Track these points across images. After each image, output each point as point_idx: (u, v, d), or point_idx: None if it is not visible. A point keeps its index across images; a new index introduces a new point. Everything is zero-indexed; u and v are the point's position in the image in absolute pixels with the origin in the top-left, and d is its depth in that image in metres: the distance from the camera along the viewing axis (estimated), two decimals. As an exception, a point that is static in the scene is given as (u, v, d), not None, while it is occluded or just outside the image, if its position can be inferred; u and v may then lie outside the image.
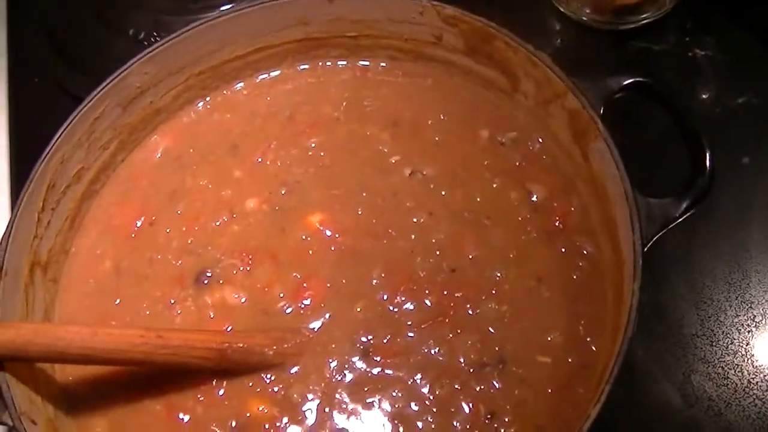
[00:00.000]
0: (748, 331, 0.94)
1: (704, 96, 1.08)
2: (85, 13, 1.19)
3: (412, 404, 0.80)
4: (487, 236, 0.87)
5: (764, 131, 1.06)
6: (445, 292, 0.84)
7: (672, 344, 0.94)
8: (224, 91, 1.01)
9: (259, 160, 0.95)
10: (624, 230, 0.78)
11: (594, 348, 0.80)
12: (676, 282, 0.96)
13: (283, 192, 0.93)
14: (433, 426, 0.79)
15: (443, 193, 0.90)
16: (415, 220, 0.89)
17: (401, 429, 0.79)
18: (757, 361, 0.93)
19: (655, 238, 0.77)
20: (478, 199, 0.89)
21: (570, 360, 0.80)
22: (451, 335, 0.82)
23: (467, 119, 0.95)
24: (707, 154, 0.79)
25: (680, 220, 0.78)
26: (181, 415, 0.82)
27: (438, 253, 0.86)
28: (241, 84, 1.01)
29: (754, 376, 0.92)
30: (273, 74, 1.02)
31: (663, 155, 0.94)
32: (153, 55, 0.92)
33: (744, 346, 0.93)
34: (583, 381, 0.78)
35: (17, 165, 1.11)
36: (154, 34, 1.12)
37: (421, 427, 0.79)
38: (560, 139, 0.89)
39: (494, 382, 0.79)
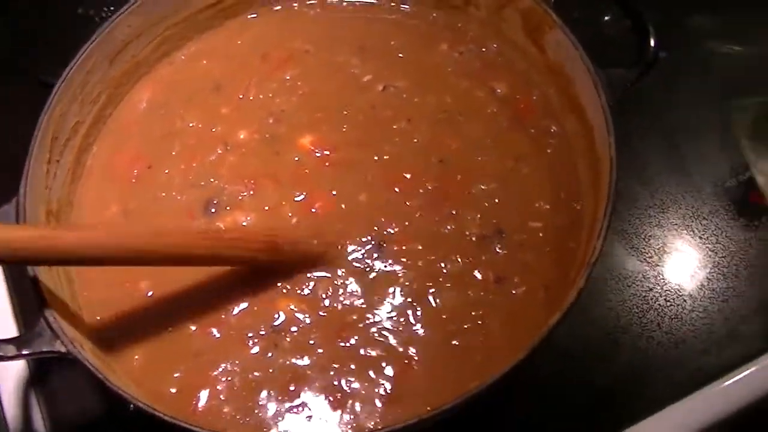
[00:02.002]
0: (692, 196, 1.07)
1: None
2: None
3: (428, 283, 0.88)
4: (463, 130, 0.97)
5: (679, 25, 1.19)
6: (438, 179, 0.93)
7: (629, 216, 1.06)
8: (200, 40, 1.06)
9: (242, 96, 1.02)
10: (589, 100, 0.89)
11: (578, 207, 0.90)
12: (623, 164, 1.07)
13: (270, 121, 0.99)
14: (450, 298, 0.87)
15: (416, 100, 0.99)
16: (395, 126, 0.97)
17: (419, 310, 0.87)
18: (704, 219, 1.06)
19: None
20: (449, 101, 0.99)
21: (558, 221, 0.90)
22: (454, 211, 0.91)
23: (426, 36, 1.04)
24: (650, 27, 0.90)
25: (636, 84, 0.89)
26: (215, 331, 0.87)
27: (423, 149, 0.95)
28: (214, 31, 1.07)
29: (704, 232, 1.05)
30: (246, 17, 1.08)
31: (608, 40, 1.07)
32: (135, 8, 0.97)
33: (691, 209, 1.06)
34: (573, 236, 0.88)
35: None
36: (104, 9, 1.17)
37: (439, 302, 0.87)
38: (515, 40, 1.00)
39: (497, 250, 0.89)
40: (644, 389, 0.96)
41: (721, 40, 1.20)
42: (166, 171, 0.98)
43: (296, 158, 0.97)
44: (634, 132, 1.10)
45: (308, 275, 0.89)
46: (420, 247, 0.89)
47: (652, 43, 0.91)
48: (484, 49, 1.02)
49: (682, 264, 1.02)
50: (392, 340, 0.85)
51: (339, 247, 0.90)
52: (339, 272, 0.89)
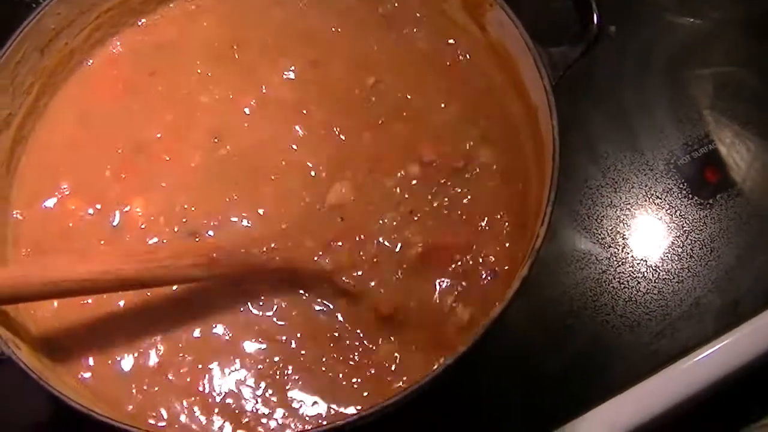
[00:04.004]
0: (645, 174, 1.05)
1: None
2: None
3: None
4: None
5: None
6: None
7: (581, 196, 1.04)
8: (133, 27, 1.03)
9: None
10: (531, 80, 0.87)
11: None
12: (571, 144, 1.04)
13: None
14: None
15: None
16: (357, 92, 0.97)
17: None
18: (658, 198, 1.04)
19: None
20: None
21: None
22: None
23: (364, 24, 1.01)
24: (592, 3, 0.88)
25: (580, 61, 0.87)
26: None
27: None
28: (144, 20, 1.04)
29: (657, 211, 1.03)
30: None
31: (546, 14, 1.05)
32: (64, -5, 0.94)
33: (644, 188, 1.05)
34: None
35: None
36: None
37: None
38: (456, 21, 0.97)
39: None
40: (599, 374, 0.95)
41: (674, 12, 1.18)
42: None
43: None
44: (585, 110, 1.08)
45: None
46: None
47: (594, 19, 0.88)
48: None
49: (636, 245, 1.01)
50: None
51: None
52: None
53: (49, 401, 0.92)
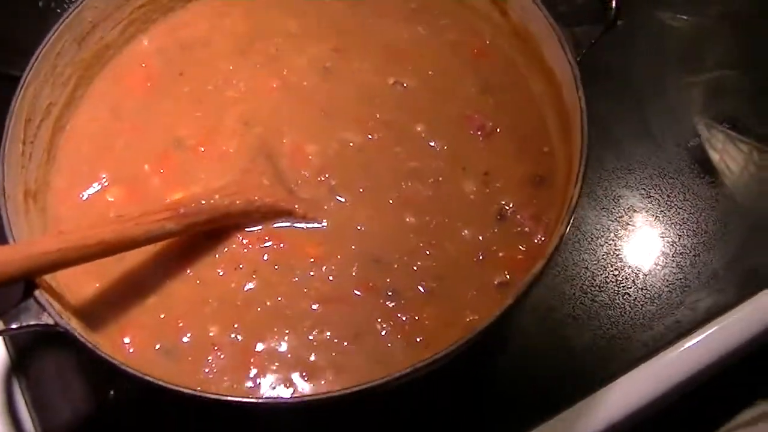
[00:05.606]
0: (657, 156, 1.10)
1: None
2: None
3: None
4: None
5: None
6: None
7: (597, 179, 1.09)
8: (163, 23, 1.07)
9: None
10: (555, 58, 0.91)
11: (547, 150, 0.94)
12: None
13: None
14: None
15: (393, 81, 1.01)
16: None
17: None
18: (671, 178, 1.09)
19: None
20: (430, 72, 1.01)
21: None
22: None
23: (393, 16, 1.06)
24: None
25: (599, 38, 0.92)
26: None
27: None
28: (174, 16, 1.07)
29: (671, 190, 1.08)
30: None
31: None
32: (100, -11, 0.97)
33: (657, 169, 1.09)
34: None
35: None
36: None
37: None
38: (478, 8, 1.02)
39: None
40: (625, 344, 0.98)
41: (673, 10, 1.24)
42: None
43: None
44: (597, 97, 1.11)
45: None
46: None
47: (614, 2, 0.93)
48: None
49: (652, 222, 1.05)
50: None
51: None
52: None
53: (88, 386, 0.97)
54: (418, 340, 0.84)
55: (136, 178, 0.96)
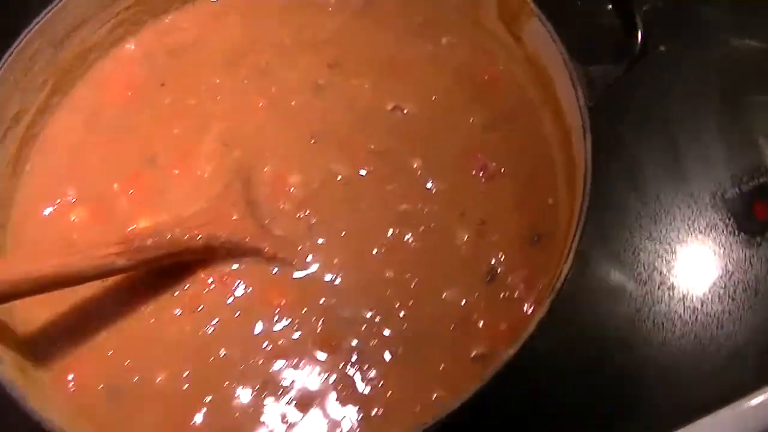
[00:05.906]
0: (688, 206, 0.98)
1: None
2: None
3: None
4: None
5: (678, 21, 1.10)
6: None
7: (617, 226, 0.97)
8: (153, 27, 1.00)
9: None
10: (567, 98, 0.81)
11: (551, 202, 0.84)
12: (612, 169, 0.99)
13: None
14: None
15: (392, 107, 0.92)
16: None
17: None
18: (700, 233, 0.97)
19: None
20: (434, 97, 0.92)
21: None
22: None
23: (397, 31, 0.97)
24: (637, 18, 0.82)
25: (619, 79, 0.81)
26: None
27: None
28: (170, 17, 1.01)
29: (699, 247, 0.96)
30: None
31: (593, 29, 0.99)
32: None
33: (686, 221, 0.97)
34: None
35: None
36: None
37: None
38: (491, 30, 0.92)
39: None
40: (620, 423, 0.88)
41: (733, 33, 1.10)
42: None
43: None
44: (627, 134, 1.01)
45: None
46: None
47: (639, 34, 0.83)
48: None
49: (674, 283, 0.94)
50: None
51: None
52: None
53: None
54: (375, 412, 0.76)
55: (103, 198, 0.91)
